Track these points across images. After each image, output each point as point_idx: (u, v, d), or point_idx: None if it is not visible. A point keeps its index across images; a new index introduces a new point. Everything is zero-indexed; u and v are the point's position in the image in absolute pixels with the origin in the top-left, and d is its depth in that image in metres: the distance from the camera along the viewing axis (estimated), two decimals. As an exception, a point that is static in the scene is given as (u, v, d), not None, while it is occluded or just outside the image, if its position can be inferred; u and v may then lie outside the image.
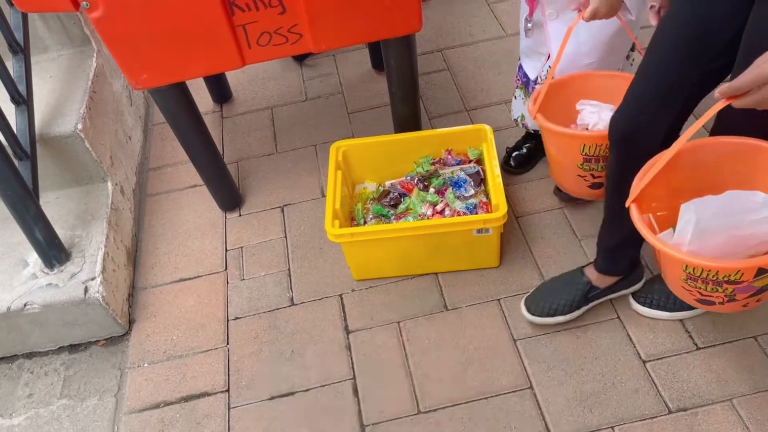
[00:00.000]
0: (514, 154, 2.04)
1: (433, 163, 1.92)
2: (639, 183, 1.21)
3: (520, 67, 1.87)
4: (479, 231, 1.68)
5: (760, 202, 1.12)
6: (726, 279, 1.13)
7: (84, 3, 1.48)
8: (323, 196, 2.11)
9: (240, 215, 2.10)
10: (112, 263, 1.80)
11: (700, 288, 1.19)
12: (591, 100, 1.59)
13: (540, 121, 1.54)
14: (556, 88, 1.62)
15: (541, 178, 2.02)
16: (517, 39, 2.53)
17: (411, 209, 1.84)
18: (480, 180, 1.84)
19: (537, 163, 2.05)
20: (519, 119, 1.96)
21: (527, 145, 2.04)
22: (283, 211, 2.09)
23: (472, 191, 1.79)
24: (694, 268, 1.14)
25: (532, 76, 1.80)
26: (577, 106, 1.60)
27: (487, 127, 1.86)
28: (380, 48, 2.43)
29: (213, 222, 2.09)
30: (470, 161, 1.90)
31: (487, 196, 1.79)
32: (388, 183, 1.97)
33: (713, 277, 1.14)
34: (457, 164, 1.89)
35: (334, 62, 2.62)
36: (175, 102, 1.76)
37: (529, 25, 1.72)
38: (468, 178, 1.83)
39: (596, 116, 1.54)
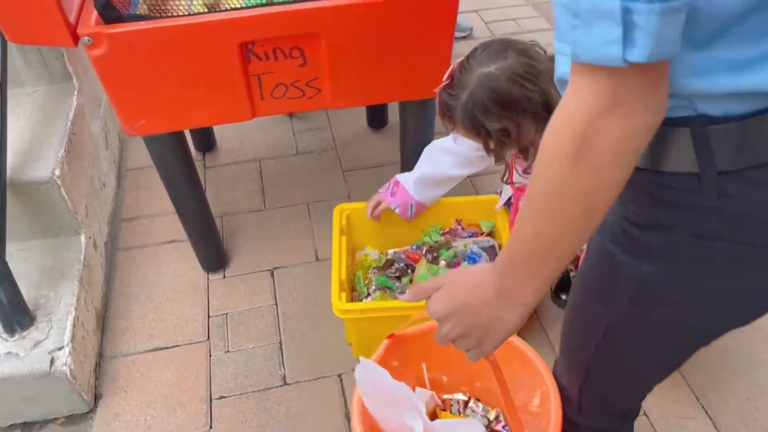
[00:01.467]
0: None
1: (442, 234, 1.80)
2: None
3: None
4: (499, 312, 1.54)
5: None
6: None
7: (85, 38, 1.31)
8: (318, 260, 1.95)
9: (224, 277, 1.91)
10: (81, 329, 1.58)
11: None
12: None
13: None
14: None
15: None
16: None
17: (420, 282, 1.70)
18: (495, 255, 1.72)
19: None
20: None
21: None
22: (272, 274, 1.91)
23: (489, 267, 1.66)
24: None
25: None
26: None
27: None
28: (379, 106, 2.35)
29: (194, 283, 1.89)
30: (483, 234, 1.78)
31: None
32: (391, 251, 1.83)
33: None
34: (470, 236, 1.77)
35: (327, 116, 2.49)
36: (171, 151, 1.59)
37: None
38: (482, 252, 1.70)
39: None
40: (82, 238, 1.72)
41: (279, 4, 1.41)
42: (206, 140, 2.33)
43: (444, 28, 1.47)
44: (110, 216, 2.05)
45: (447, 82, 1.36)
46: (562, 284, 1.79)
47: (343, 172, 2.25)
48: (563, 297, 1.78)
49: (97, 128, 2.07)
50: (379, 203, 1.73)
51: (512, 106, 1.28)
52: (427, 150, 1.68)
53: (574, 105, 0.59)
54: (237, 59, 1.41)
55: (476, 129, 1.32)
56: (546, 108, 1.30)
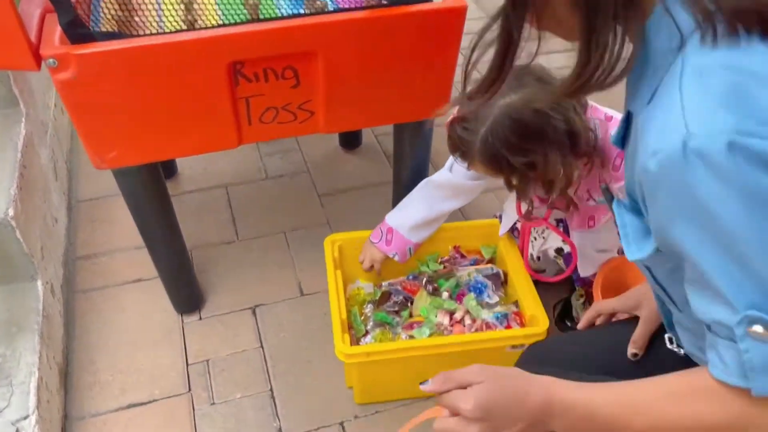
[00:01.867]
0: None
1: (441, 262, 1.68)
2: None
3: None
4: (513, 347, 1.44)
5: None
6: None
7: (50, 60, 1.13)
8: (303, 294, 1.80)
9: (201, 318, 1.73)
10: (46, 392, 1.38)
11: None
12: None
13: None
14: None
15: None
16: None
17: (423, 317, 1.58)
18: (500, 282, 1.62)
19: None
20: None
21: None
22: (254, 313, 1.75)
23: (497, 297, 1.56)
24: None
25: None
26: None
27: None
28: (354, 125, 2.22)
29: (166, 327, 1.71)
30: (485, 260, 1.68)
31: (516, 304, 1.56)
32: (386, 283, 1.70)
33: None
34: (471, 264, 1.66)
35: (296, 138, 2.34)
36: (144, 184, 1.41)
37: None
38: (487, 281, 1.60)
39: None
40: (39, 284, 1.51)
41: (268, 20, 1.27)
42: (167, 166, 2.14)
43: (449, 46, 1.36)
44: (64, 255, 1.84)
45: (457, 115, 1.25)
46: (565, 311, 1.71)
47: (319, 196, 2.11)
48: (568, 323, 1.70)
49: (46, 157, 1.85)
50: (374, 257, 1.60)
51: (538, 137, 1.19)
52: (422, 188, 1.57)
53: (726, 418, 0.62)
54: (224, 81, 1.26)
55: (498, 165, 1.22)
56: (570, 136, 1.21)
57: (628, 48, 0.61)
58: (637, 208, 0.68)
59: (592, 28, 0.60)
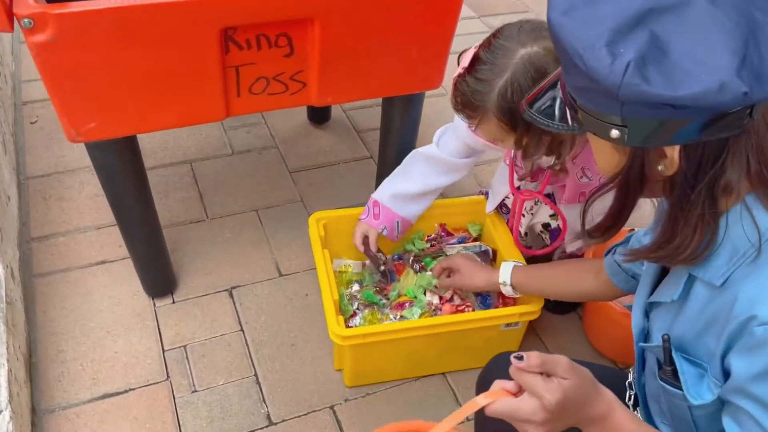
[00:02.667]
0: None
1: (427, 240, 1.65)
2: None
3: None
4: (507, 325, 1.43)
5: None
6: None
7: (25, 20, 1.02)
8: (281, 275, 1.73)
9: (174, 302, 1.64)
10: (16, 385, 1.26)
11: None
12: None
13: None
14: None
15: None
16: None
17: (409, 297, 1.54)
18: (489, 259, 1.60)
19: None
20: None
21: None
22: (231, 295, 1.67)
23: (487, 276, 1.54)
24: None
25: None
26: None
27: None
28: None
29: (138, 312, 1.61)
30: (472, 238, 1.65)
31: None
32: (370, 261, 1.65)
33: None
34: (459, 242, 1.63)
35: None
36: (121, 160, 1.31)
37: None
38: (476, 258, 1.58)
39: None
40: (0, 267, 1.39)
41: (262, -18, 1.18)
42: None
43: (447, 17, 1.32)
44: (18, 236, 1.70)
45: (469, 67, 1.18)
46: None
47: (290, 172, 2.03)
48: (550, 301, 1.71)
49: (-5, 129, 1.70)
50: (366, 235, 1.53)
51: None
52: (410, 160, 1.51)
53: None
54: (215, 48, 1.17)
55: (513, 120, 1.12)
56: None
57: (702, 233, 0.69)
58: (692, 361, 0.76)
59: (679, 217, 0.69)
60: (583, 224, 0.81)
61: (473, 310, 1.49)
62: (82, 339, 1.53)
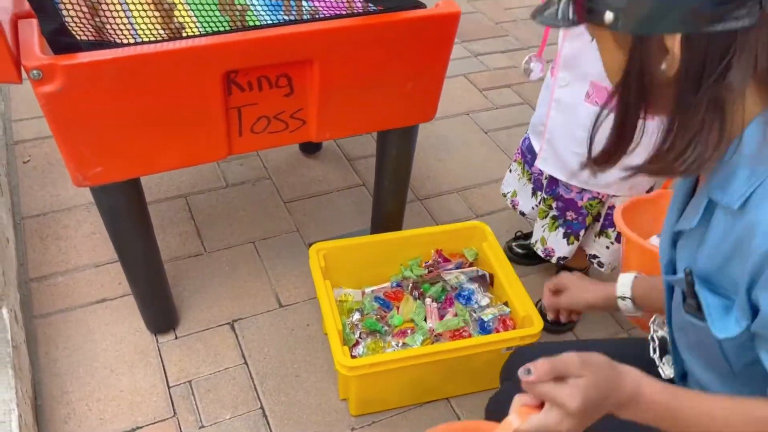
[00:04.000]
0: (517, 243, 1.93)
1: (425, 266, 1.68)
2: None
3: (526, 139, 1.69)
4: (508, 348, 1.47)
5: None
6: None
7: (34, 72, 1.04)
8: (281, 306, 1.75)
9: (176, 337, 1.65)
10: (26, 430, 1.27)
11: None
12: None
13: (627, 233, 1.29)
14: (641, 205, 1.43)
15: (526, 275, 1.87)
16: (449, 123, 2.43)
17: (413, 324, 1.57)
18: (486, 284, 1.64)
19: (545, 261, 1.88)
20: (509, 195, 1.78)
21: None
22: (233, 328, 1.68)
23: (486, 299, 1.58)
24: None
25: (537, 147, 1.60)
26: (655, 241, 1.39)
27: (485, 225, 1.68)
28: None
29: (141, 349, 1.61)
30: (468, 263, 1.69)
31: (506, 304, 1.59)
32: (369, 290, 1.68)
33: None
34: (456, 268, 1.67)
35: (252, 142, 2.27)
36: (126, 201, 1.33)
37: (532, 65, 1.55)
38: (472, 285, 1.62)
39: None
40: (4, 311, 1.39)
41: (261, 27, 1.22)
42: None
43: (441, 52, 1.36)
44: (17, 278, 1.70)
45: None
46: None
47: (284, 203, 2.06)
48: (549, 320, 1.75)
49: (-8, 172, 1.71)
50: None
51: None
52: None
53: None
54: (218, 91, 1.20)
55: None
56: None
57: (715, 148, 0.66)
58: (717, 291, 0.74)
59: (680, 122, 0.66)
60: (589, 150, 0.78)
61: (471, 335, 1.53)
62: (86, 379, 1.54)
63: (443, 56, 1.37)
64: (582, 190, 1.53)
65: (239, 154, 1.35)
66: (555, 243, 1.66)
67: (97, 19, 1.23)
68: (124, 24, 1.26)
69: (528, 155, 1.68)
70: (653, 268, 1.08)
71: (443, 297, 1.62)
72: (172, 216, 1.98)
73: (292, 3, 1.39)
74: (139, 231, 1.41)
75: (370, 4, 1.31)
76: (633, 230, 1.33)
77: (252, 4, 1.40)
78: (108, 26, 1.23)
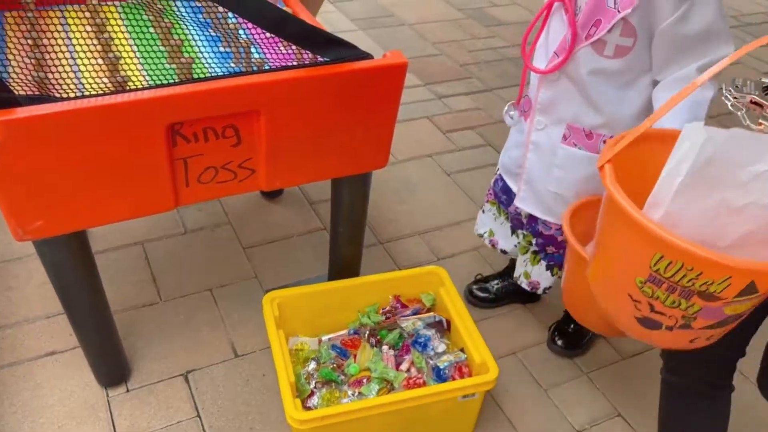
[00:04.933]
0: (477, 286, 1.93)
1: (382, 313, 1.67)
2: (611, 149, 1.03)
3: (498, 181, 1.72)
4: (465, 396, 1.45)
5: None
6: (704, 288, 0.89)
7: (-30, 128, 1.02)
8: (237, 356, 1.71)
9: (128, 390, 1.61)
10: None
11: (656, 298, 0.95)
12: None
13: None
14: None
15: (486, 318, 1.87)
16: (412, 165, 2.45)
17: (369, 372, 1.55)
18: (443, 330, 1.62)
19: (505, 305, 1.93)
20: (486, 234, 1.81)
21: (497, 282, 1.92)
22: (187, 379, 1.64)
23: (443, 346, 1.57)
24: (671, 262, 0.88)
25: (515, 188, 1.63)
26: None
27: (442, 270, 1.67)
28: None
29: (91, 403, 1.57)
30: (425, 309, 1.68)
31: (463, 350, 1.57)
32: (326, 338, 1.66)
33: (689, 281, 0.90)
34: (414, 314, 1.66)
35: (213, 187, 2.26)
36: (70, 254, 1.30)
37: (512, 113, 1.57)
38: (430, 331, 1.60)
39: None
40: (-57, 370, 1.35)
41: (206, 79, 1.22)
42: (74, 225, 1.98)
43: (390, 101, 1.37)
44: (-37, 331, 1.65)
45: None
46: (559, 332, 1.80)
47: (243, 249, 2.04)
48: (559, 343, 1.79)
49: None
50: None
51: None
52: None
53: None
54: (162, 143, 1.19)
55: None
56: None
57: None
58: None
59: None
60: None
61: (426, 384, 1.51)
62: (31, 437, 1.49)
63: (392, 105, 1.38)
64: (560, 227, 1.56)
65: (187, 204, 1.33)
66: (539, 276, 1.70)
67: (41, 73, 1.22)
68: (70, 77, 1.26)
69: (503, 196, 1.72)
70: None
71: (400, 344, 1.60)
72: (128, 264, 1.94)
73: (242, 53, 1.40)
74: (86, 284, 1.38)
75: (318, 56, 1.32)
76: (583, 226, 1.35)
77: (201, 54, 1.41)
78: (52, 79, 1.23)
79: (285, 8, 1.56)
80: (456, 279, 1.73)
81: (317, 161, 1.39)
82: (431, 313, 1.66)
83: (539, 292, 1.73)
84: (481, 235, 1.84)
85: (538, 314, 1.91)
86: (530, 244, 1.68)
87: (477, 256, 2.09)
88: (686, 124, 0.94)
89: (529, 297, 1.92)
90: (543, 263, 1.68)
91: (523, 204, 1.61)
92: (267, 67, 1.33)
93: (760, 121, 1.13)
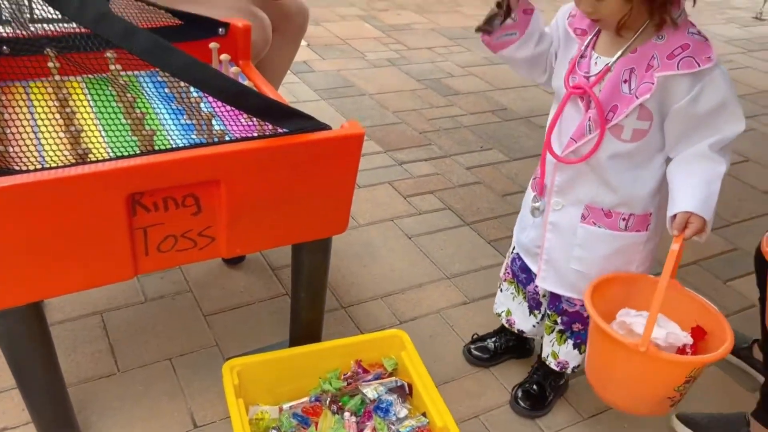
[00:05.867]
0: (475, 345, 1.95)
1: (344, 379, 1.66)
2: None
3: (516, 260, 1.74)
4: (427, 461, 1.44)
5: None
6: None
7: (-74, 201, 1.03)
8: (196, 426, 1.68)
9: (81, 467, 1.56)
10: None
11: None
12: (632, 308, 1.46)
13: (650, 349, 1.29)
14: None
15: (449, 381, 1.87)
16: (374, 229, 2.49)
17: (330, 436, 1.53)
18: (405, 395, 1.62)
19: (500, 363, 1.94)
20: (503, 314, 1.83)
21: (494, 340, 1.93)
22: (144, 454, 1.60)
23: (404, 411, 1.57)
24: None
25: (534, 268, 1.65)
26: (622, 317, 1.45)
27: (403, 334, 1.69)
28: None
29: (41, 482, 1.51)
30: (387, 373, 1.68)
31: (423, 415, 1.57)
32: (286, 405, 1.64)
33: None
34: (375, 378, 1.66)
35: (174, 255, 2.25)
36: (24, 325, 1.29)
37: (537, 204, 1.59)
38: (391, 396, 1.60)
39: (663, 330, 1.38)
40: None
41: (167, 150, 1.25)
42: (30, 295, 1.95)
43: (348, 169, 1.42)
44: None
45: None
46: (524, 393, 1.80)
47: (204, 316, 2.03)
48: (521, 404, 1.78)
49: None
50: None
51: None
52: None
53: None
54: (122, 213, 1.21)
55: None
56: None
57: None
58: None
59: None
60: None
61: (393, 449, 1.50)
62: None
63: (350, 173, 1.43)
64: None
65: (146, 273, 1.34)
66: (566, 355, 1.70)
67: (1, 147, 1.24)
68: (31, 150, 1.27)
69: (521, 275, 1.75)
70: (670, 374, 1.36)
71: (362, 410, 1.60)
72: (85, 334, 1.91)
73: (203, 124, 1.44)
74: (40, 357, 1.36)
75: (278, 128, 1.36)
76: (605, 304, 1.43)
77: (164, 126, 1.44)
78: (13, 152, 1.24)
79: (247, 82, 1.62)
80: (418, 342, 1.75)
81: (277, 228, 1.42)
82: (393, 378, 1.66)
83: (568, 371, 1.72)
84: (498, 315, 1.86)
85: (500, 376, 1.92)
86: (555, 323, 1.68)
87: (438, 318, 2.11)
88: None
89: (524, 351, 1.95)
90: (570, 342, 1.67)
91: (545, 284, 1.63)
92: (228, 138, 1.37)
93: None
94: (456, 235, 2.57)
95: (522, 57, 1.52)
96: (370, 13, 5.01)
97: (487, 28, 1.46)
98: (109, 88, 1.54)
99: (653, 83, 1.29)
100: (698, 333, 1.41)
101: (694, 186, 1.32)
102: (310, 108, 3.45)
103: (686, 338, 1.39)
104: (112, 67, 1.52)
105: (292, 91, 3.59)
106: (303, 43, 2.63)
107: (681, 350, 1.38)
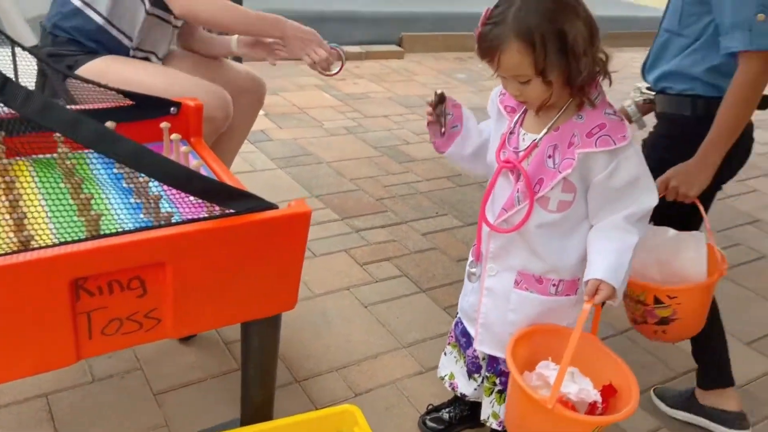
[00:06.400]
0: (430, 417, 1.93)
1: (298, 457, 1.64)
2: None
3: (458, 324, 1.78)
4: None
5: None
6: (637, 298, 1.72)
7: None
8: None
9: None
10: None
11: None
12: (554, 361, 1.49)
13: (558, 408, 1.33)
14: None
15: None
16: (329, 299, 2.50)
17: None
18: (359, 472, 1.60)
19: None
20: (446, 377, 1.83)
21: (449, 410, 1.93)
22: None
23: (357, 490, 1.54)
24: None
25: (472, 332, 1.69)
26: (541, 369, 1.49)
27: (356, 409, 1.67)
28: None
29: None
30: (340, 450, 1.66)
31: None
32: (238, 488, 1.60)
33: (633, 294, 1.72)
34: (328, 456, 1.64)
35: (125, 331, 2.21)
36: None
37: (473, 270, 1.64)
38: (345, 472, 1.58)
39: (575, 386, 1.43)
40: None
41: (112, 235, 1.26)
42: (-28, 379, 1.89)
43: (296, 247, 1.44)
44: None
45: (483, 20, 1.36)
46: None
47: (154, 395, 1.98)
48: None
49: None
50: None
51: (571, 8, 1.31)
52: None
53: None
54: (64, 299, 1.20)
55: (530, 37, 1.29)
56: (590, 30, 1.33)
57: None
58: None
59: None
60: None
61: None
62: None
63: (297, 250, 1.45)
64: None
65: (90, 357, 1.32)
66: None
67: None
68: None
69: (462, 339, 1.78)
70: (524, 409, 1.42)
71: (314, 490, 1.57)
72: (28, 419, 1.85)
73: (151, 205, 1.45)
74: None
75: (226, 209, 1.38)
76: (531, 355, 1.48)
77: (112, 207, 1.45)
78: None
79: (197, 161, 1.65)
80: (374, 415, 1.75)
81: (225, 307, 1.42)
82: (346, 455, 1.64)
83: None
84: (442, 378, 1.87)
85: (455, 447, 1.91)
86: (494, 384, 1.70)
87: (394, 389, 2.11)
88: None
89: (479, 421, 1.93)
90: None
91: (482, 346, 1.67)
92: (176, 219, 1.38)
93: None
94: (412, 302, 2.59)
95: (469, 152, 1.65)
96: (327, 82, 5.13)
97: (438, 132, 1.65)
98: (57, 169, 1.55)
99: (574, 159, 1.40)
100: (609, 391, 1.45)
101: (606, 255, 1.42)
102: (267, 176, 3.49)
103: (596, 396, 1.43)
104: (59, 149, 1.53)
105: (249, 160, 3.63)
106: (261, 112, 2.69)
107: (592, 406, 1.42)
